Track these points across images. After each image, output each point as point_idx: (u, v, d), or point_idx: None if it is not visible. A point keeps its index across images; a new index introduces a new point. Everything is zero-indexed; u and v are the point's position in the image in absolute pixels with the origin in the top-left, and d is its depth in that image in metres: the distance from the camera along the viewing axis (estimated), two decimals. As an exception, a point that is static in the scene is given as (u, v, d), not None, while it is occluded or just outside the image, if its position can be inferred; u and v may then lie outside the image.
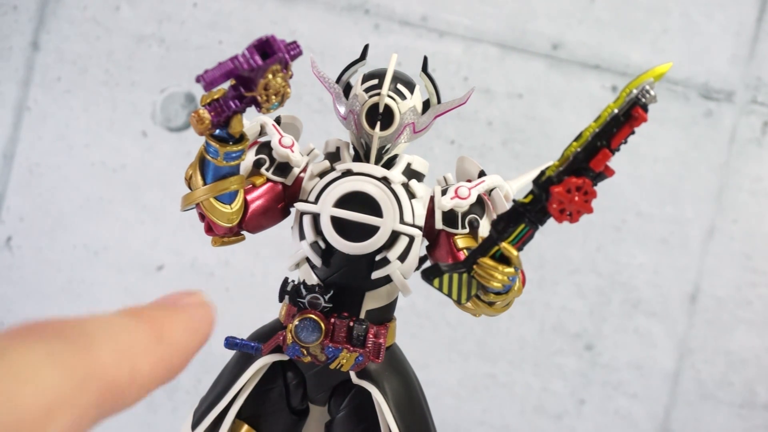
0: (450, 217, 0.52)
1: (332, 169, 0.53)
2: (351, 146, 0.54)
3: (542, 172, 0.44)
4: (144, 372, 0.22)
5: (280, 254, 0.60)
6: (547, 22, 1.08)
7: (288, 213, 0.55)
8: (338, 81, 0.55)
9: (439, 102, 0.54)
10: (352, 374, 0.53)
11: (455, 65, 1.08)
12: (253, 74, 0.41)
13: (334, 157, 0.54)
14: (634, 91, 0.40)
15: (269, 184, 0.53)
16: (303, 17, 1.09)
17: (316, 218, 0.51)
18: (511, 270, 0.45)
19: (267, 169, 0.53)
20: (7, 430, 0.17)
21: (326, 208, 0.51)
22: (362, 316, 0.52)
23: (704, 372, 1.08)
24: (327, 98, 0.79)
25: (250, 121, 0.53)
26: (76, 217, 1.11)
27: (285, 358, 0.54)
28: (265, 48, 0.41)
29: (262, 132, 0.55)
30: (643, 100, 0.40)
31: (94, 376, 0.20)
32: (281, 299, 0.53)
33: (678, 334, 1.08)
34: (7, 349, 0.19)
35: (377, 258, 0.51)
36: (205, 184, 0.47)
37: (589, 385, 1.09)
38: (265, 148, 0.54)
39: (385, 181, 0.51)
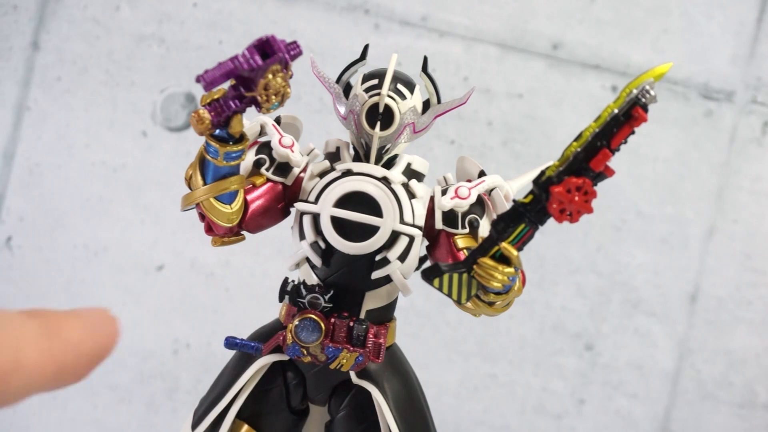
0: (450, 217, 0.52)
1: (332, 169, 0.53)
2: (351, 146, 0.54)
3: (542, 172, 0.44)
4: (29, 362, 0.23)
5: (280, 254, 0.60)
6: (547, 22, 1.08)
7: (288, 213, 0.55)
8: (338, 81, 0.54)
9: (439, 102, 0.54)
10: (352, 374, 0.53)
11: (455, 65, 1.08)
12: (253, 74, 0.41)
13: (334, 157, 0.54)
14: (634, 91, 0.40)
15: (269, 184, 0.53)
16: (303, 17, 1.09)
17: (316, 218, 0.51)
18: (511, 270, 0.45)
19: (267, 169, 0.53)
20: None
21: (326, 208, 0.50)
22: (362, 316, 0.52)
23: (704, 372, 1.08)
24: (327, 98, 0.79)
25: (250, 121, 0.53)
26: (76, 217, 1.11)
27: (285, 358, 0.54)
28: (265, 48, 0.41)
29: (262, 132, 0.54)
30: (643, 100, 0.40)
31: None
32: (281, 299, 0.53)
33: (678, 334, 1.08)
34: None
35: (377, 258, 0.51)
36: (205, 184, 0.47)
37: (589, 385, 1.08)
38: (265, 148, 0.54)
39: (385, 181, 0.51)
